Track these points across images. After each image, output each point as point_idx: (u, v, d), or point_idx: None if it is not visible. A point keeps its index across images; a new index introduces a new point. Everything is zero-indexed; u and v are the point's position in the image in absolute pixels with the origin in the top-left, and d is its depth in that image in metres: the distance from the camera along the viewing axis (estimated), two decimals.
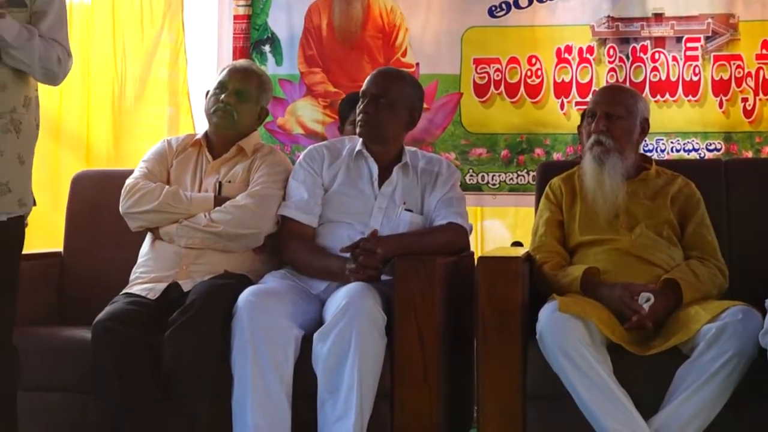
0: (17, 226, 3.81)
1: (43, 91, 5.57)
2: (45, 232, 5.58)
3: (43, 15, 3.76)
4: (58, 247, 4.96)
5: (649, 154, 5.17)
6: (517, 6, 5.58)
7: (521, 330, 3.89)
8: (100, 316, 4.05)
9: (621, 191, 4.20)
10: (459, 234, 4.31)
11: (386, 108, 4.32)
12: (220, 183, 4.45)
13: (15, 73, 3.72)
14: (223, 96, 4.48)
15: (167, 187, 4.41)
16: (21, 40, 3.64)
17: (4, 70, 3.69)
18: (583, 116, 4.40)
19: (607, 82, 5.48)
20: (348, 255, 4.06)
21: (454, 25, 5.63)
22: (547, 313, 3.84)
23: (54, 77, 3.84)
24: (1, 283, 3.78)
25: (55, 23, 3.79)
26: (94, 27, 5.97)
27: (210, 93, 4.56)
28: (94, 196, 4.90)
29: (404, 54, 5.64)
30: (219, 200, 4.38)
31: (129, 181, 4.46)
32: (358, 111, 4.36)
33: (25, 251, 3.95)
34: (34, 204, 3.92)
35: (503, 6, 5.59)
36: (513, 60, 5.60)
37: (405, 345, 3.90)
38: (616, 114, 4.24)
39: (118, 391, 3.92)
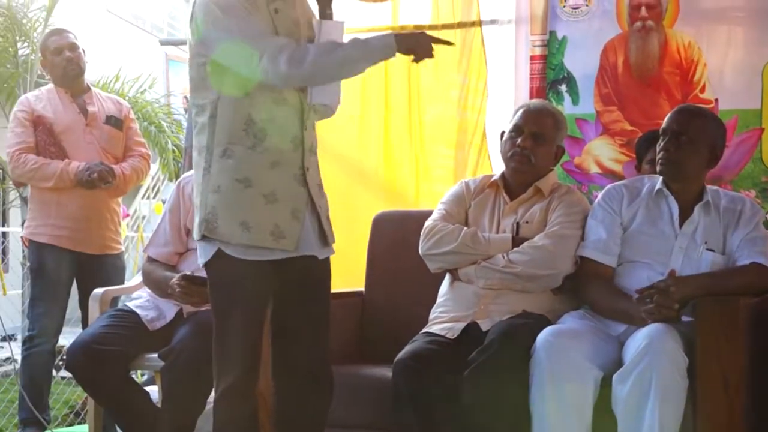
0: (329, 264, 3.95)
1: (342, 134, 5.82)
2: (346, 272, 5.71)
3: None
4: (359, 286, 5.09)
5: None
6: None
7: None
8: (401, 354, 4.14)
9: None
10: (763, 274, 4.16)
11: (687, 146, 4.24)
12: (517, 223, 4.46)
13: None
14: (519, 140, 4.51)
15: (465, 228, 4.47)
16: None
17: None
18: None
19: None
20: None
21: (755, 58, 5.47)
22: None
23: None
24: (321, 318, 3.91)
25: None
26: (392, 70, 6.10)
27: (506, 136, 4.59)
28: (394, 236, 5.01)
29: (702, 90, 5.52)
30: (517, 241, 4.40)
31: (428, 223, 4.55)
32: (658, 149, 4.31)
33: None
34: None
35: None
36: None
37: (708, 388, 3.80)
38: None
39: (418, 428, 4.00)
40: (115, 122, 5.91)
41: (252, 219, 3.67)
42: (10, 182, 10.03)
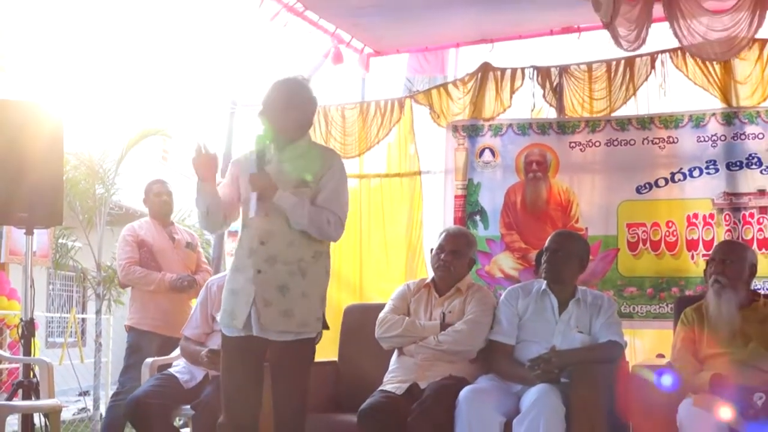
0: (307, 345, 3.83)
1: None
2: (325, 347, 5.68)
3: (321, 191, 3.81)
4: (335, 357, 5.09)
5: (760, 291, 4.95)
6: (657, 185, 5.45)
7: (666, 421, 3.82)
8: (364, 405, 4.16)
9: (736, 317, 4.09)
10: (617, 348, 4.25)
11: (563, 259, 4.35)
12: (443, 313, 4.50)
13: (302, 234, 3.77)
14: (442, 256, 4.58)
15: (407, 318, 4.52)
16: (295, 209, 3.73)
17: (293, 231, 3.77)
18: (707, 263, 4.31)
19: (725, 239, 5.31)
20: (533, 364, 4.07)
21: (612, 200, 5.53)
22: (685, 407, 3.78)
23: (327, 234, 3.82)
24: (296, 390, 3.82)
25: (328, 196, 3.81)
26: (365, 207, 6.18)
27: (433, 252, 4.66)
28: (360, 321, 4.98)
29: (577, 221, 5.57)
30: (444, 326, 4.44)
31: (381, 315, 4.60)
32: (542, 261, 4.40)
33: None
34: (327, 328, 3.94)
35: (647, 185, 5.46)
36: (655, 224, 5.44)
37: (580, 430, 3.87)
38: (729, 260, 4.17)
39: None
40: (191, 247, 6.08)
41: (223, 306, 3.84)
42: (86, 281, 10.00)
